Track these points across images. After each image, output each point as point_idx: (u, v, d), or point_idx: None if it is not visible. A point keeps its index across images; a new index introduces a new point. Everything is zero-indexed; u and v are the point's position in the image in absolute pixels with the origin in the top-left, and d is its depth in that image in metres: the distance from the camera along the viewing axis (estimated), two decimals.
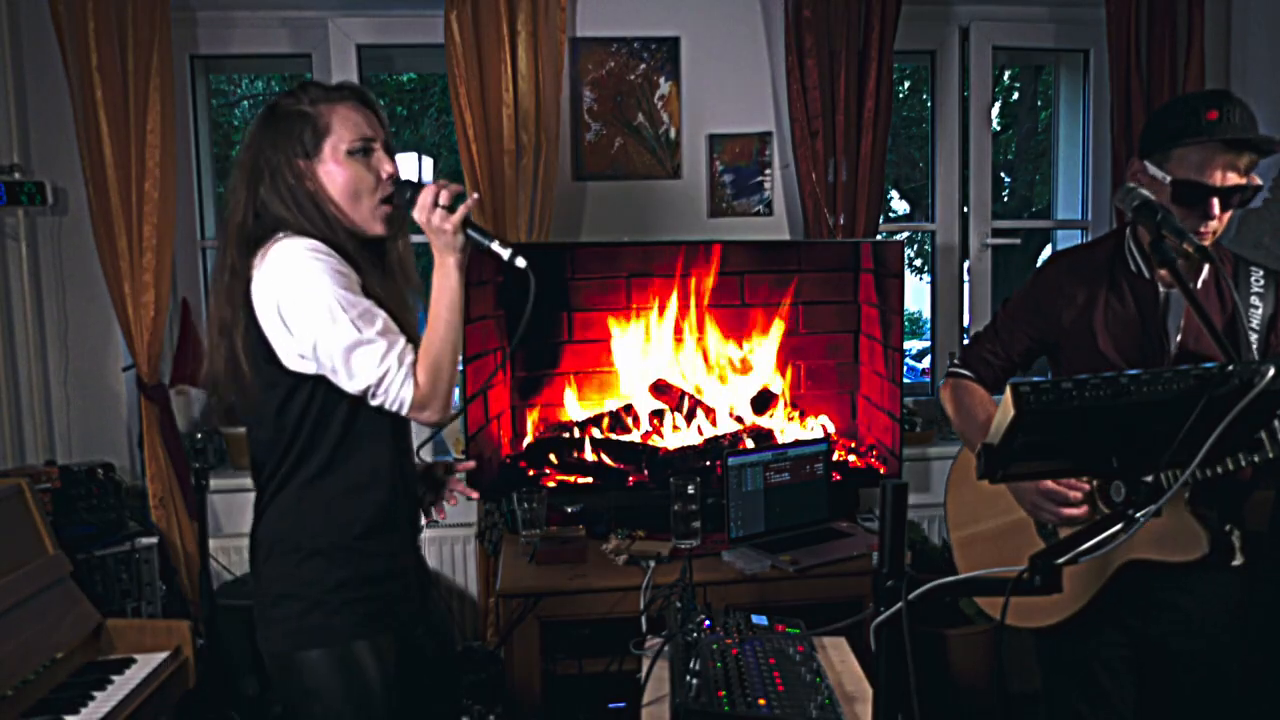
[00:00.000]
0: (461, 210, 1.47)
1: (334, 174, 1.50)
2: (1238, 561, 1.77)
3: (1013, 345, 1.90)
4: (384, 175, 1.52)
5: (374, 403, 1.44)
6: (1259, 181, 1.65)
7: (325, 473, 1.50)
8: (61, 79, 2.77)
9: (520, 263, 1.46)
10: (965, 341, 2.06)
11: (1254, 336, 1.67)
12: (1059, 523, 1.74)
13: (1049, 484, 1.70)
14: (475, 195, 1.52)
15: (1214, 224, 1.63)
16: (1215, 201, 1.61)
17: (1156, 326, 1.73)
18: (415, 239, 1.73)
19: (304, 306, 1.41)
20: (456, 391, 3.10)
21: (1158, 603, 1.77)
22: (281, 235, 1.45)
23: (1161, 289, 1.74)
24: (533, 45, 2.85)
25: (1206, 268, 1.72)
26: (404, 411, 1.44)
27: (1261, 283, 1.72)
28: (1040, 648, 1.94)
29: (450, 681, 1.78)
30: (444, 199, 1.47)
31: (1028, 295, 1.90)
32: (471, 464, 1.79)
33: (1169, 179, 1.65)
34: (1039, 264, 2.08)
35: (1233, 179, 1.61)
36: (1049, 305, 1.84)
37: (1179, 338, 1.72)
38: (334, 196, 1.50)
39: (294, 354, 1.45)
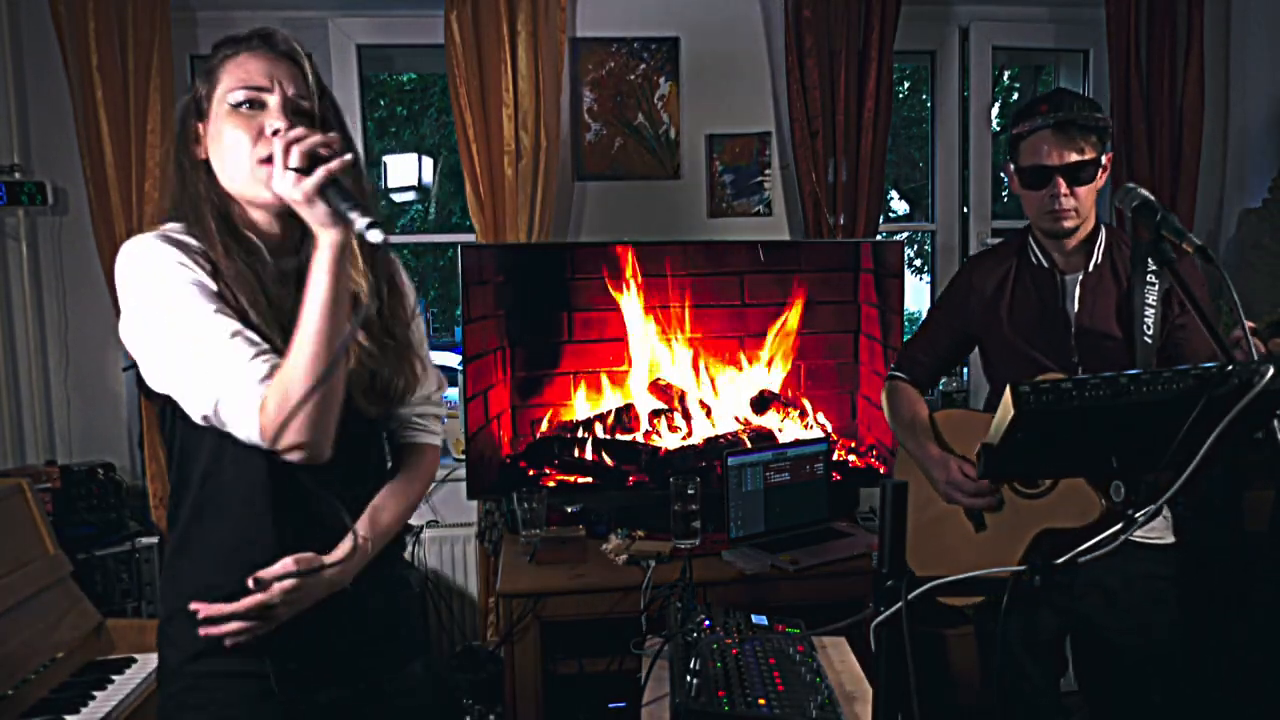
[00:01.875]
0: (320, 174, 1.10)
1: (214, 133, 1.23)
2: (1161, 540, 1.85)
3: (938, 344, 2.09)
4: (268, 131, 1.19)
5: (225, 429, 1.15)
6: (1102, 159, 1.79)
7: (194, 520, 1.26)
8: (62, 79, 2.77)
9: (375, 236, 1.07)
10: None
11: (1150, 311, 1.80)
12: (971, 507, 1.86)
13: (956, 474, 1.84)
14: (347, 156, 1.12)
15: (1069, 201, 1.79)
16: (1060, 180, 1.77)
17: (1056, 309, 1.88)
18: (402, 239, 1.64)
19: (139, 313, 1.17)
20: (454, 391, 3.12)
21: (1083, 580, 1.84)
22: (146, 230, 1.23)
23: (1058, 276, 1.89)
24: (533, 45, 2.85)
25: (1099, 251, 1.87)
26: (255, 441, 1.13)
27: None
28: (976, 625, 2.07)
29: None
30: (295, 159, 1.11)
31: (945, 295, 2.09)
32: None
33: (1015, 170, 1.85)
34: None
35: (1072, 157, 1.77)
36: (962, 300, 2.01)
37: (1076, 318, 1.86)
38: (215, 162, 1.23)
39: (147, 370, 1.20)
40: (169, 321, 1.15)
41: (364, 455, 1.36)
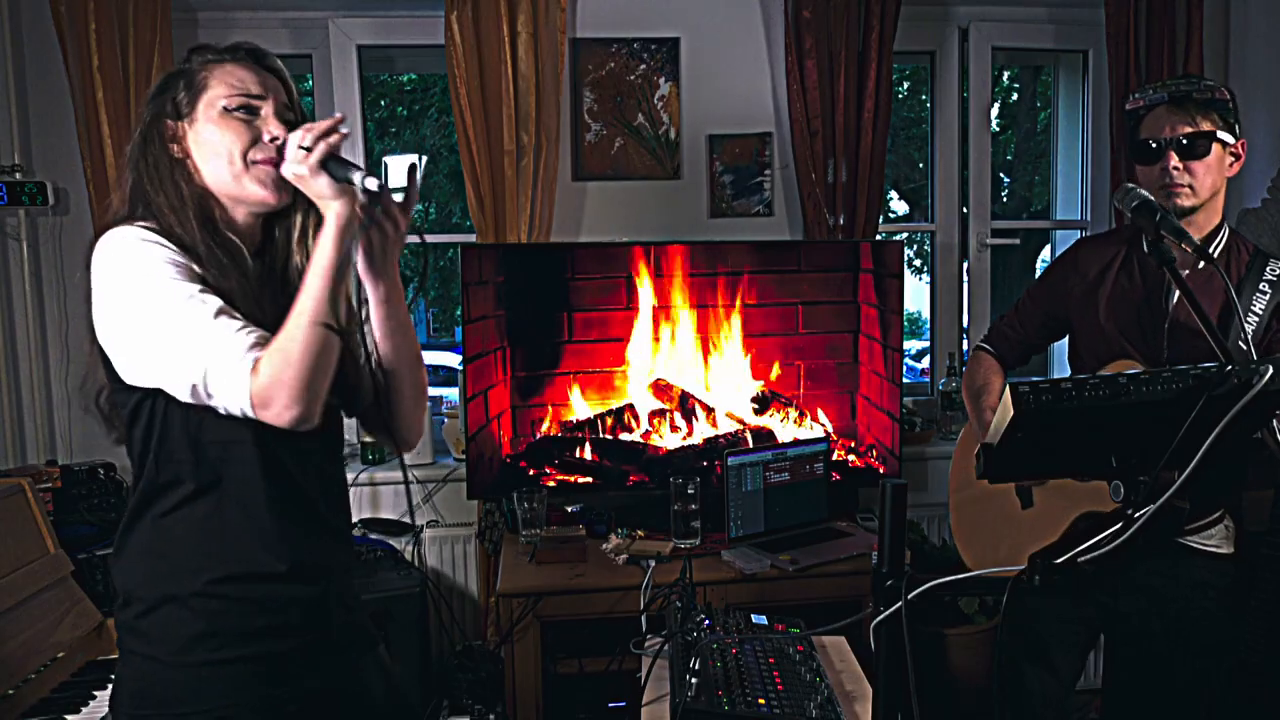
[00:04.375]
0: (320, 148, 1.17)
1: (203, 133, 1.26)
2: (1218, 549, 1.82)
3: (1029, 321, 2.05)
4: (266, 137, 1.26)
5: (210, 403, 1.16)
6: (1220, 135, 1.75)
7: (175, 507, 1.25)
8: (63, 80, 2.77)
9: (371, 184, 1.18)
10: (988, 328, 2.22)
11: (1253, 320, 1.75)
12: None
13: None
14: (344, 130, 1.20)
15: (1182, 176, 1.73)
16: (1171, 153, 1.73)
17: (1156, 303, 1.83)
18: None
19: (119, 303, 1.18)
20: (454, 391, 3.12)
21: (1127, 580, 1.83)
22: (118, 225, 1.25)
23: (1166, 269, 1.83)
24: (533, 45, 2.85)
25: (1214, 250, 1.79)
26: (244, 410, 1.14)
27: (1277, 273, 1.78)
28: (1004, 612, 2.01)
29: None
30: (308, 139, 1.18)
31: (1048, 273, 2.04)
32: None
33: (1131, 148, 1.81)
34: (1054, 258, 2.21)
35: (1185, 130, 1.73)
36: (1063, 281, 1.97)
37: (1173, 310, 1.81)
38: (200, 162, 1.27)
39: (123, 363, 1.21)
40: (155, 301, 1.16)
41: (339, 434, 1.42)
